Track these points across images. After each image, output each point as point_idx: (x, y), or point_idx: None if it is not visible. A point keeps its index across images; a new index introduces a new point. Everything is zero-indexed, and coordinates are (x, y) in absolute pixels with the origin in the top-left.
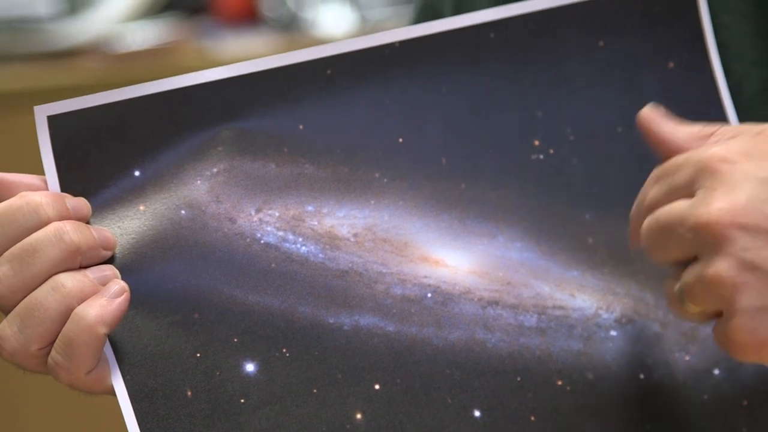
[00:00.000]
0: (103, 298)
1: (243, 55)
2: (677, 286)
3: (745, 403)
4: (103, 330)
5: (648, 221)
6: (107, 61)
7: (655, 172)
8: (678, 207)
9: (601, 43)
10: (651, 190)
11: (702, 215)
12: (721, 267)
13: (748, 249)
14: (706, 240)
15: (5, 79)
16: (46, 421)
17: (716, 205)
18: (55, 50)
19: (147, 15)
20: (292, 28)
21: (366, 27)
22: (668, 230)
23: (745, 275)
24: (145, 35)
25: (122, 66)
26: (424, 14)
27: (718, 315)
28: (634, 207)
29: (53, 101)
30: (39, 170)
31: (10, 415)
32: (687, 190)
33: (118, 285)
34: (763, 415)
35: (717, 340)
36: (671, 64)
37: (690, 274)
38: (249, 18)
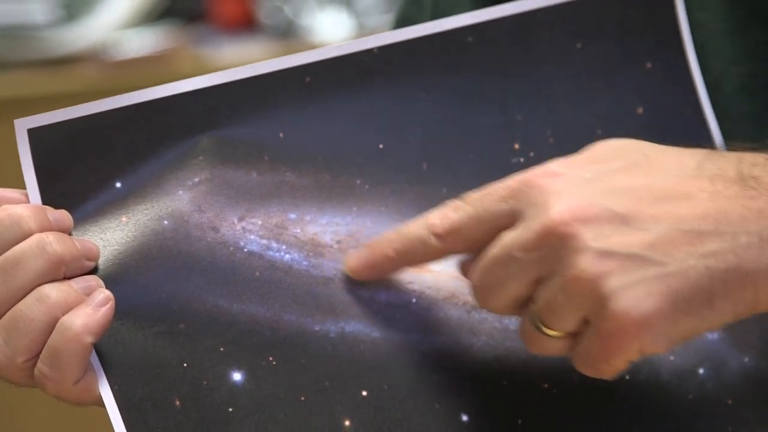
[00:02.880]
0: (89, 307)
1: (240, 62)
2: (530, 317)
3: (729, 401)
4: (89, 339)
5: (477, 266)
6: (105, 68)
7: (443, 217)
8: (508, 235)
9: (578, 45)
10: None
11: (542, 223)
12: (579, 265)
13: (597, 239)
14: (552, 248)
15: (3, 86)
16: (44, 420)
17: (553, 209)
18: (52, 57)
19: (144, 22)
20: (289, 34)
21: (363, 33)
22: (505, 262)
23: (604, 263)
24: (142, 42)
25: (120, 73)
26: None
27: (578, 333)
28: (393, 238)
29: (51, 108)
30: None
31: (10, 416)
32: (507, 221)
33: (103, 294)
34: (748, 413)
35: (585, 360)
36: (649, 65)
37: (544, 294)
38: (246, 25)
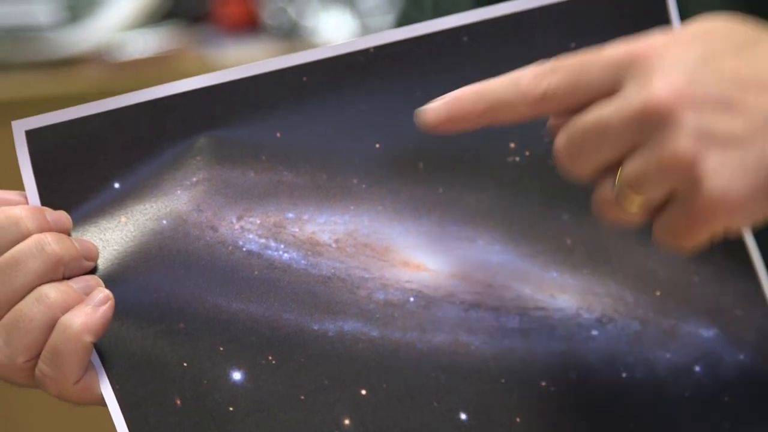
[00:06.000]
0: (88, 306)
1: (244, 63)
2: (613, 185)
3: (726, 399)
4: (89, 338)
5: (567, 131)
6: (108, 70)
7: (544, 72)
8: (606, 106)
9: (572, 45)
10: (552, 94)
11: (645, 98)
12: (679, 144)
13: (699, 120)
14: (651, 124)
15: (6, 88)
16: (44, 421)
17: (657, 85)
18: (56, 59)
19: (148, 23)
20: (293, 35)
21: (366, 34)
22: (599, 131)
23: (702, 144)
24: (146, 43)
25: (123, 74)
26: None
27: (660, 208)
28: (478, 92)
29: (55, 110)
30: None
31: (10, 416)
32: (606, 90)
33: (103, 293)
34: (745, 411)
35: (668, 231)
36: None
37: (635, 165)
38: (250, 26)
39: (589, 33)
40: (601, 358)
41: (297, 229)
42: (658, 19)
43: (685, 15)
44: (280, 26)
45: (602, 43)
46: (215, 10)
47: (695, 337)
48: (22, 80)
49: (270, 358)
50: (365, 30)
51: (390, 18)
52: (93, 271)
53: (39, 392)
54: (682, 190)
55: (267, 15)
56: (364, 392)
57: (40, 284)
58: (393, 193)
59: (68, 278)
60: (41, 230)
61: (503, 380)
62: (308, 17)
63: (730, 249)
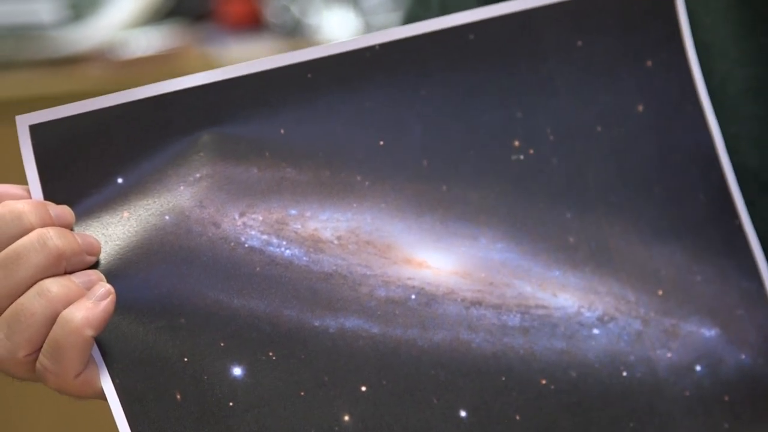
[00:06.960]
0: (89, 300)
1: (247, 62)
2: None
3: (726, 398)
4: (89, 332)
5: None
6: (111, 68)
7: None
8: None
9: (579, 43)
10: None
11: None
12: None
13: None
14: None
15: (9, 86)
16: (45, 422)
17: None
18: (59, 57)
19: (151, 21)
20: (296, 33)
21: (370, 32)
22: None
23: None
24: (149, 41)
25: (126, 72)
26: None
27: None
28: None
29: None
30: None
31: (8, 417)
32: None
33: (104, 288)
34: (745, 410)
35: None
36: (649, 63)
37: None
38: (253, 24)
39: (597, 31)
40: (602, 357)
41: (299, 226)
42: (666, 17)
43: (692, 13)
44: (284, 24)
45: (610, 42)
46: (218, 8)
47: (697, 337)
48: (25, 78)
49: (270, 354)
50: (368, 28)
51: (393, 16)
52: (95, 266)
53: (39, 392)
54: None
55: (270, 13)
56: (364, 389)
57: (41, 278)
58: (396, 190)
59: (70, 273)
60: (44, 224)
61: (503, 378)
62: (311, 15)
63: (734, 248)
